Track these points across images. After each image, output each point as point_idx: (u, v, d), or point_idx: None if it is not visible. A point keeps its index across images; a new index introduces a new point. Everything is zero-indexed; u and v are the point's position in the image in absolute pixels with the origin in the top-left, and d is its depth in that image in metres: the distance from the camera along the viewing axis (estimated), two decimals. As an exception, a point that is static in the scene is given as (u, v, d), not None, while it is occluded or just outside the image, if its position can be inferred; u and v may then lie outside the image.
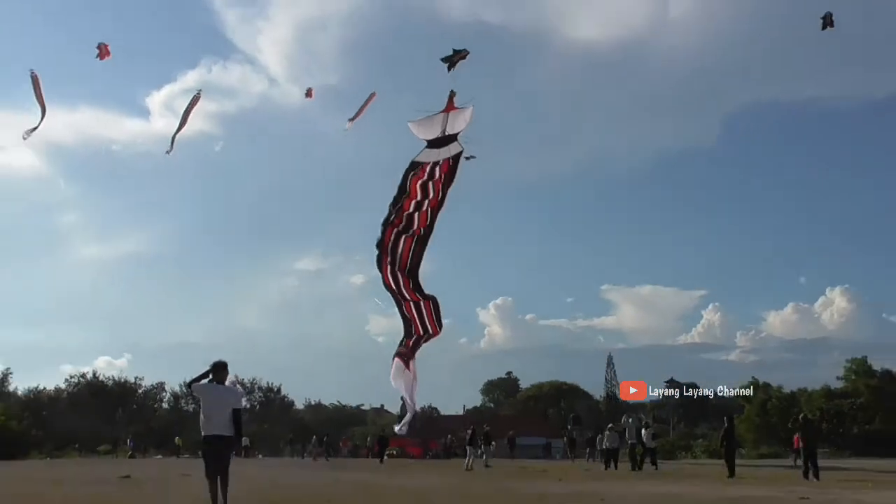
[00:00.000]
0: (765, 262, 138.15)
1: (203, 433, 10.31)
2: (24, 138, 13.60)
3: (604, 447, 33.18)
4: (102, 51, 13.51)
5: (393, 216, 11.26)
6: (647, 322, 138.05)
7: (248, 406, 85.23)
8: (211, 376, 10.39)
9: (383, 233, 11.31)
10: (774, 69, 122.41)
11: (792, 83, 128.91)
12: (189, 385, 10.50)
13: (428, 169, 10.91)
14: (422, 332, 11.62)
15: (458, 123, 10.63)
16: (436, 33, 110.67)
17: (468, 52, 10.52)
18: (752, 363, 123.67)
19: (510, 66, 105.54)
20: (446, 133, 10.71)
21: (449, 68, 10.64)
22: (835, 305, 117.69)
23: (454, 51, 10.44)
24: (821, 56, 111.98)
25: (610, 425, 34.67)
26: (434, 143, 10.81)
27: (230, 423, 10.31)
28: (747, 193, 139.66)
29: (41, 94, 12.83)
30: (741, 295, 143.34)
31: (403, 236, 11.38)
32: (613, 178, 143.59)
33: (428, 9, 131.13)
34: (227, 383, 10.62)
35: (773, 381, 71.16)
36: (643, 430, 30.23)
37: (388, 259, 11.42)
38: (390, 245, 11.35)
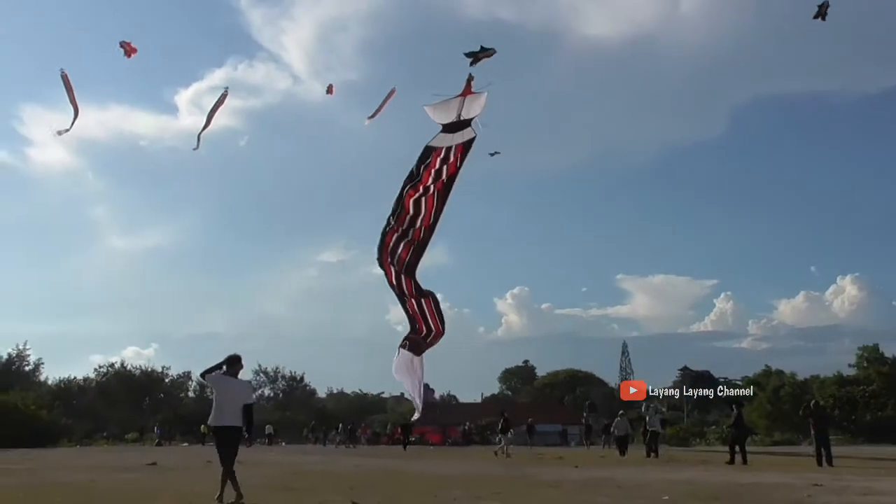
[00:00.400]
0: (776, 251, 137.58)
1: (214, 424, 10.33)
2: (59, 134, 13.76)
3: (615, 434, 33.16)
4: (127, 48, 13.61)
5: (392, 223, 11.37)
6: (660, 310, 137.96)
7: (270, 395, 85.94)
8: (225, 368, 10.45)
9: (383, 240, 11.50)
10: (782, 63, 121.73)
11: (799, 76, 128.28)
12: (203, 375, 10.57)
13: (442, 154, 10.85)
14: (424, 332, 11.88)
15: (473, 108, 10.60)
16: (453, 31, 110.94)
17: (495, 52, 10.56)
18: (763, 351, 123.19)
19: (526, 62, 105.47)
20: (461, 118, 10.66)
21: (472, 63, 10.65)
22: (845, 293, 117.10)
23: (481, 48, 10.47)
24: (828, 49, 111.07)
25: (621, 412, 34.63)
26: (449, 128, 10.75)
27: (240, 416, 10.33)
28: (758, 184, 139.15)
29: (73, 94, 12.97)
30: (753, 284, 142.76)
31: (404, 241, 11.51)
32: (626, 170, 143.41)
33: (445, 7, 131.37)
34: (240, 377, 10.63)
35: (786, 369, 70.81)
36: (655, 416, 30.25)
37: (389, 260, 11.65)
38: (391, 247, 11.54)
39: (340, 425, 54.07)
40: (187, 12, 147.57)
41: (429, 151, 10.96)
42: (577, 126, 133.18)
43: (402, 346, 11.95)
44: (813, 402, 25.67)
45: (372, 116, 13.13)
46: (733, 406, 25.62)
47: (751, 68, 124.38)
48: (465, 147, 10.86)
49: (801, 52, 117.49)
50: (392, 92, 14.49)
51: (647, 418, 30.23)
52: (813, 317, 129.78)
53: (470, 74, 10.41)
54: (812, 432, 23.32)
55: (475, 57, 10.59)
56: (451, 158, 10.91)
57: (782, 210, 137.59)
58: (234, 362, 10.48)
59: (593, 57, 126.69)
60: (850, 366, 67.95)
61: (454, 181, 11.17)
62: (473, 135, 10.78)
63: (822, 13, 11.37)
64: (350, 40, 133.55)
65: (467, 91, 10.50)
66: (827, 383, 64.94)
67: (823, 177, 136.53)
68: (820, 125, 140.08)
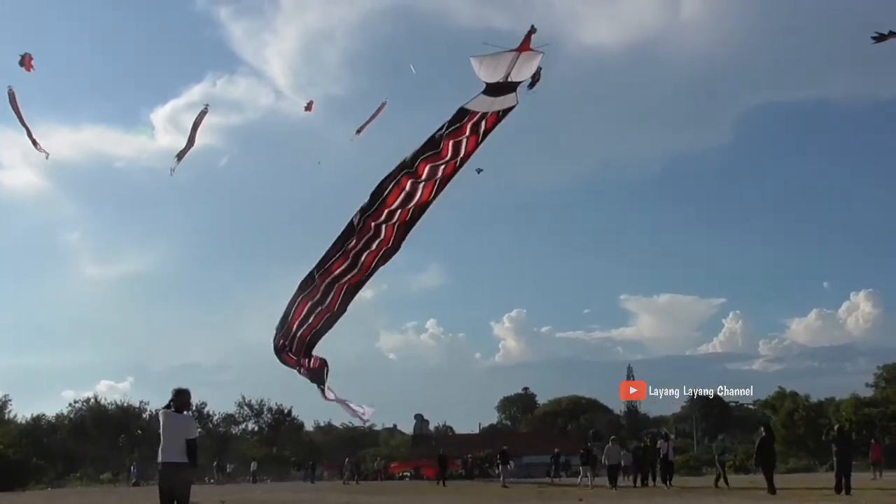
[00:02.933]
0: (785, 267, 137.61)
1: (159, 461, 10.33)
2: (48, 157, 13.69)
3: (605, 463, 30.68)
4: (26, 62, 13.35)
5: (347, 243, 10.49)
6: (666, 332, 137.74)
7: (255, 429, 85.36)
8: (171, 403, 10.46)
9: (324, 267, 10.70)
10: (788, 69, 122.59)
11: (807, 83, 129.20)
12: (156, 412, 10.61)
13: (475, 119, 9.73)
14: (294, 356, 11.17)
15: (524, 70, 9.43)
16: (444, 41, 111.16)
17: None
18: (776, 372, 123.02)
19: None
20: (510, 79, 9.42)
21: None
22: (860, 310, 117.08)
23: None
24: (836, 55, 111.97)
25: (612, 437, 33.98)
26: (492, 89, 9.50)
27: (184, 452, 10.30)
28: (765, 195, 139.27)
29: (20, 113, 12.86)
30: (762, 302, 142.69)
31: (376, 240, 10.60)
32: (627, 183, 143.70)
33: (435, 16, 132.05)
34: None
35: (800, 391, 70.76)
36: (666, 443, 29.70)
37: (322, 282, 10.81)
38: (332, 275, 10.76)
39: (347, 459, 53.92)
40: (164, 26, 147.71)
41: (462, 115, 9.70)
42: (577, 138, 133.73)
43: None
44: (837, 426, 25.46)
45: (360, 131, 13.17)
46: (762, 428, 24.74)
47: (756, 75, 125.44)
48: (500, 116, 9.83)
49: (808, 58, 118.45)
50: (383, 105, 14.57)
51: (661, 448, 29.45)
52: (826, 335, 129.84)
53: (532, 26, 9.18)
54: (834, 459, 23.14)
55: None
56: (481, 128, 9.84)
57: (791, 223, 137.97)
58: (177, 396, 10.47)
59: (592, 66, 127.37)
60: (867, 386, 68.06)
61: (469, 158, 10.26)
62: (514, 103, 9.68)
63: (884, 38, 11.35)
64: (335, 53, 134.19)
65: (525, 46, 9.21)
66: (843, 405, 64.89)
67: (833, 188, 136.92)
68: (829, 133, 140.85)
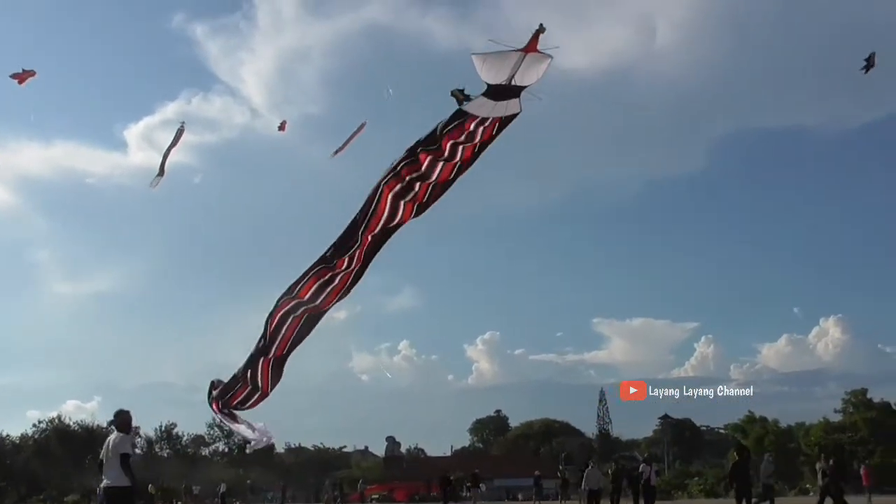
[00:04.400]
0: (757, 293, 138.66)
1: (100, 485, 10.54)
2: None
3: (585, 488, 30.68)
4: (23, 76, 13.34)
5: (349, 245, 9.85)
6: (639, 355, 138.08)
7: (224, 450, 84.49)
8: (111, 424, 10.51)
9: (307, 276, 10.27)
10: (763, 96, 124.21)
11: (781, 110, 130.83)
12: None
13: (472, 126, 9.01)
14: (250, 387, 10.90)
15: (529, 74, 8.75)
16: (421, 62, 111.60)
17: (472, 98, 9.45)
18: (746, 396, 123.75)
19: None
20: (514, 82, 8.76)
21: (460, 103, 9.63)
22: (829, 336, 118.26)
23: (462, 93, 9.43)
24: (810, 83, 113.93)
25: (591, 462, 34.13)
26: (495, 92, 8.80)
27: (122, 473, 10.38)
28: (738, 221, 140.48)
29: None
30: (734, 326, 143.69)
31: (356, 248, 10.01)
32: (602, 207, 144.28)
33: (413, 37, 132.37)
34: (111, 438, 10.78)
35: (770, 415, 71.37)
36: (648, 467, 29.34)
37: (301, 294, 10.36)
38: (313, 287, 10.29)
39: (327, 481, 53.80)
40: (139, 43, 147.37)
41: (458, 117, 8.98)
42: (553, 162, 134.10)
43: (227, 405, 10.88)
44: (833, 459, 25.42)
45: (338, 151, 13.30)
46: (734, 450, 24.31)
47: (730, 101, 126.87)
48: (502, 124, 9.10)
49: (781, 85, 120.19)
50: (361, 126, 14.73)
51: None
52: (797, 360, 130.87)
53: (541, 25, 8.52)
54: (819, 483, 23.14)
55: (463, 97, 9.57)
56: (478, 137, 9.11)
57: (763, 248, 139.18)
58: (115, 416, 10.59)
59: (569, 90, 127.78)
60: (836, 411, 68.76)
61: (466, 168, 9.45)
62: (518, 110, 8.98)
63: (870, 65, 11.74)
64: (312, 72, 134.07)
65: (532, 46, 8.53)
66: (813, 430, 65.53)
67: (806, 214, 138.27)
68: (802, 161, 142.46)
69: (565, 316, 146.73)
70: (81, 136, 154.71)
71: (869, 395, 67.60)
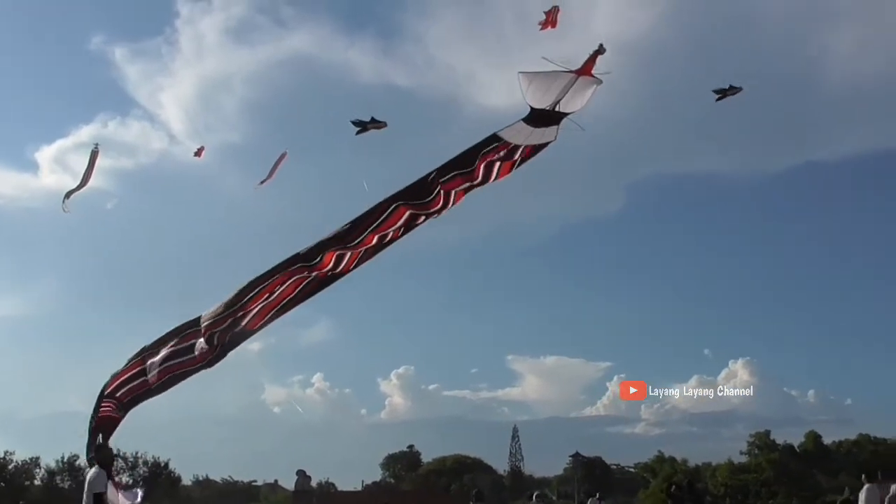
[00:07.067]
0: (669, 334, 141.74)
1: None
2: None
3: None
4: None
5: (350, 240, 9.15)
6: (552, 394, 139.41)
7: (129, 482, 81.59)
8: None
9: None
10: (674, 143, 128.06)
11: (695, 156, 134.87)
12: None
13: (502, 153, 8.43)
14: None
15: (575, 100, 8.09)
16: (344, 95, 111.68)
17: (386, 125, 9.45)
18: (657, 436, 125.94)
19: (419, 130, 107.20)
20: (559, 108, 8.08)
21: (359, 132, 9.62)
22: (738, 378, 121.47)
23: (372, 118, 9.55)
24: (725, 130, 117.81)
25: (537, 494, 33.73)
26: (537, 117, 8.17)
27: None
28: (653, 263, 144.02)
29: None
30: (646, 366, 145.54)
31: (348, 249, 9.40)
32: (519, 247, 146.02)
33: (336, 69, 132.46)
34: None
35: (679, 455, 72.69)
36: (600, 502, 29.10)
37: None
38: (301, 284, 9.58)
39: None
40: (55, 64, 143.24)
41: (492, 142, 8.42)
42: (472, 201, 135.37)
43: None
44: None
45: (264, 181, 13.16)
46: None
47: (645, 146, 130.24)
48: (533, 152, 8.57)
49: (696, 132, 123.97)
50: (283, 156, 14.64)
51: None
52: (706, 402, 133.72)
53: (601, 45, 7.72)
54: None
55: (363, 127, 9.48)
56: (494, 171, 8.59)
57: (677, 290, 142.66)
58: (95, 451, 10.34)
59: (490, 128, 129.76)
60: (741, 453, 70.47)
61: (476, 187, 8.86)
62: (553, 138, 8.39)
63: (725, 94, 12.11)
64: (233, 100, 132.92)
65: (588, 69, 7.85)
66: (719, 471, 66.96)
67: (717, 257, 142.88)
68: (715, 206, 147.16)
69: (480, 352, 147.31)
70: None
71: (773, 437, 69.67)
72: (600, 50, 7.66)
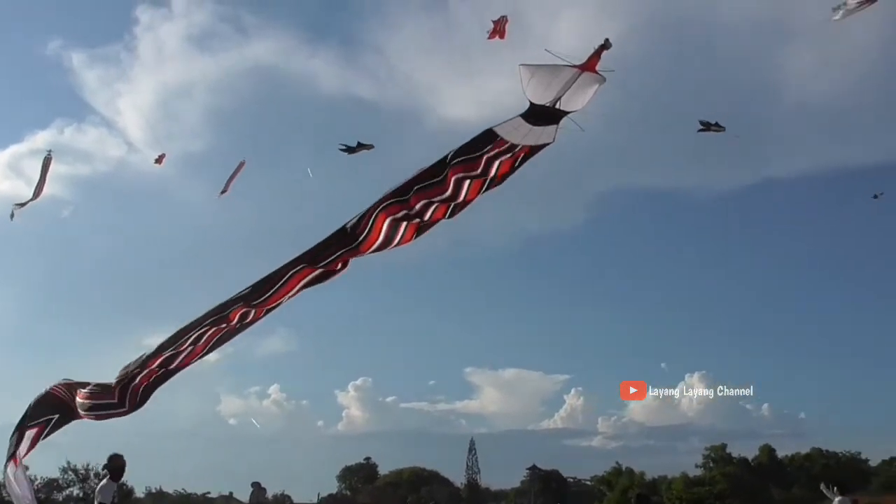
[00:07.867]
0: (627, 347, 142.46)
1: None
2: None
3: None
4: None
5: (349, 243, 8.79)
6: (510, 406, 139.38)
7: (80, 495, 79.96)
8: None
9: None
10: (637, 156, 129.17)
11: (655, 171, 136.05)
12: None
13: (500, 149, 7.97)
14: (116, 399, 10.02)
15: (577, 97, 7.69)
16: (306, 106, 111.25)
17: (373, 147, 9.42)
18: (614, 449, 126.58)
19: (383, 141, 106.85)
20: (559, 105, 7.68)
21: (348, 153, 9.45)
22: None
23: (359, 143, 9.46)
24: (687, 146, 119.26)
25: None
26: (535, 114, 7.70)
27: None
28: (611, 276, 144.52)
29: None
30: (603, 379, 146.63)
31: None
32: (479, 259, 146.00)
33: (299, 80, 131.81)
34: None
35: (636, 468, 73.07)
36: None
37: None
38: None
39: None
40: (10, 68, 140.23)
41: (488, 139, 7.91)
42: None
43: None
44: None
45: (224, 191, 12.96)
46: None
47: (608, 159, 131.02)
48: (531, 153, 8.13)
49: (662, 146, 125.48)
50: (241, 165, 14.44)
51: None
52: (663, 415, 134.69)
53: (606, 40, 7.37)
54: None
55: (352, 150, 9.43)
56: (493, 169, 8.15)
57: (635, 304, 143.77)
58: (108, 462, 10.78)
59: (451, 140, 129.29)
60: (696, 466, 71.06)
61: (466, 206, 8.52)
62: (551, 139, 7.99)
63: (709, 128, 12.21)
64: (194, 108, 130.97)
65: (592, 64, 7.44)
66: (675, 484, 67.42)
67: (675, 271, 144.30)
68: (675, 221, 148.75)
69: (438, 365, 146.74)
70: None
71: (728, 451, 70.32)
72: (606, 45, 7.35)
